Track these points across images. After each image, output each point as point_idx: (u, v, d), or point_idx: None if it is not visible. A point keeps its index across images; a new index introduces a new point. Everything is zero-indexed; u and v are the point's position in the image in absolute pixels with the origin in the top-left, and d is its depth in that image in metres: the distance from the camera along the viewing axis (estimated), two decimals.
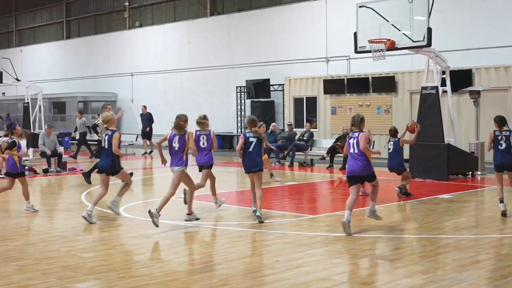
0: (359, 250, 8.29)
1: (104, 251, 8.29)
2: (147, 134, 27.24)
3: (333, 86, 24.21)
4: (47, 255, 8.15)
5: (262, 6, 28.78)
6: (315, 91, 24.98)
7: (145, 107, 28.31)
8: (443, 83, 16.94)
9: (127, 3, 35.52)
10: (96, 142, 21.20)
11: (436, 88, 16.57)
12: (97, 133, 16.97)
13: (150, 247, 8.65)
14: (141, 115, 28.19)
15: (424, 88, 16.90)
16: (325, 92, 24.40)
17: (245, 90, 28.27)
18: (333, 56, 25.36)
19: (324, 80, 24.49)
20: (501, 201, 10.66)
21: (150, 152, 26.16)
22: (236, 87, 28.80)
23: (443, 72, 16.91)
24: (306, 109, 25.41)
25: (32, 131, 24.42)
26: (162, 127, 31.88)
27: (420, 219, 10.62)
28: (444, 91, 17.08)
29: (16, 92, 38.30)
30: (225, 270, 7.23)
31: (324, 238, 9.09)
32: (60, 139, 25.70)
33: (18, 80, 28.84)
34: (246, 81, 27.92)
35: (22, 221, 10.81)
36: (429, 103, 16.62)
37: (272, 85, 27.09)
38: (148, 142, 26.71)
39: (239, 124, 28.95)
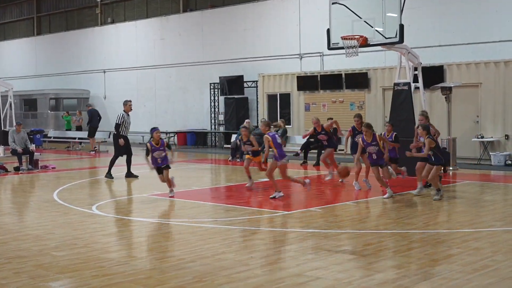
0: (333, 246, 8.33)
1: (77, 249, 8.22)
2: (93, 131, 26.96)
3: (307, 82, 24.28)
4: (19, 254, 8.05)
5: (235, 2, 28.73)
6: (288, 87, 25.03)
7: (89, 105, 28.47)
8: (416, 80, 17.07)
9: None
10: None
11: (408, 84, 16.69)
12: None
13: (123, 245, 8.60)
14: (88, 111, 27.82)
15: (396, 84, 17.03)
16: (299, 89, 24.46)
17: (219, 87, 28.23)
18: (307, 52, 25.43)
19: (297, 77, 24.55)
20: None
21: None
22: (210, 83, 28.74)
23: (415, 69, 17.05)
24: (280, 105, 25.45)
25: (2, 128, 24.07)
26: (135, 124, 31.77)
27: (394, 214, 10.71)
28: (417, 87, 17.22)
29: None
30: (199, 267, 7.21)
31: (298, 234, 9.13)
32: (31, 136, 25.42)
33: None
34: (220, 77, 27.88)
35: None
36: (401, 99, 16.74)
37: (245, 81, 27.09)
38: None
39: (212, 121, 28.90)
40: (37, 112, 34.15)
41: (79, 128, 30.22)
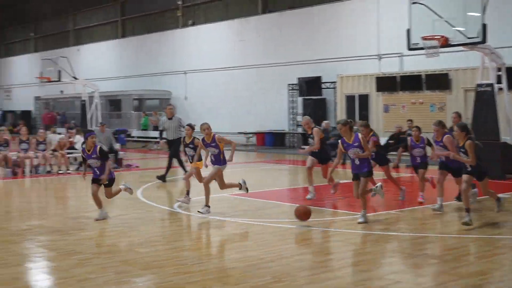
0: (414, 249, 8.24)
1: (160, 247, 8.47)
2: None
3: (386, 83, 23.98)
4: (105, 249, 8.38)
5: (313, 3, 28.70)
6: (367, 88, 24.80)
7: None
8: (499, 81, 16.60)
9: (180, 2, 35.93)
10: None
11: (491, 85, 16.25)
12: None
13: (204, 244, 8.79)
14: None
15: (479, 85, 16.60)
16: (378, 90, 24.19)
17: (297, 88, 28.28)
18: (386, 53, 25.13)
19: (376, 78, 24.29)
20: None
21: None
22: (288, 84, 28.83)
23: (499, 69, 16.57)
24: (358, 106, 25.25)
25: (89, 128, 24.96)
26: (216, 124, 32.24)
27: (476, 219, 10.46)
28: (500, 89, 16.73)
29: (74, 90, 39.17)
30: (278, 267, 7.29)
31: (377, 237, 9.07)
32: (116, 136, 26.23)
33: (76, 79, 29.52)
34: (298, 78, 27.93)
35: (80, 216, 11.11)
36: (484, 101, 16.31)
37: (323, 82, 27.03)
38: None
39: (290, 122, 28.98)
40: (121, 112, 35.16)
41: (155, 128, 30.90)
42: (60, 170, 18.30)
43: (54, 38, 47.62)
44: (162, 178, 15.99)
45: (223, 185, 11.36)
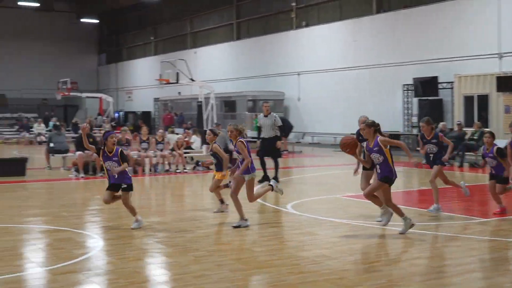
0: None
1: (274, 246, 8.58)
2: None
3: (507, 83, 22.96)
4: (220, 247, 8.59)
5: (429, 2, 27.99)
6: (486, 88, 23.85)
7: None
8: None
9: (294, 4, 36.13)
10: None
11: None
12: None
13: (317, 244, 8.80)
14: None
15: None
16: (498, 90, 23.21)
17: (412, 88, 27.68)
18: (507, 51, 24.08)
19: (497, 77, 23.32)
20: None
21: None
22: (403, 85, 28.27)
23: None
24: (477, 107, 24.35)
25: (205, 128, 25.65)
26: (329, 125, 32.21)
27: None
28: None
29: (191, 91, 40.40)
30: (392, 271, 7.20)
31: (497, 243, 8.73)
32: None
33: (193, 80, 30.40)
34: (413, 78, 27.33)
35: (197, 214, 11.44)
36: None
37: (440, 82, 26.29)
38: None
39: (405, 123, 28.42)
40: (236, 113, 35.81)
41: None
42: (177, 169, 18.93)
43: (172, 41, 49.28)
44: (275, 179, 15.88)
45: (251, 196, 10.05)
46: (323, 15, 34.76)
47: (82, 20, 55.28)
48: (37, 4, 48.70)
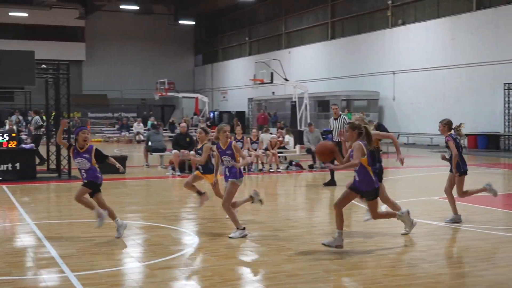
0: None
1: (368, 248, 8.49)
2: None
3: None
4: (313, 247, 8.58)
5: None
6: None
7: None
8: None
9: (390, 2, 35.54)
10: None
11: None
12: None
13: (413, 247, 8.64)
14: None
15: None
16: None
17: None
18: None
19: None
20: None
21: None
22: (504, 84, 27.23)
23: None
24: None
25: (298, 128, 25.69)
26: (424, 126, 31.48)
27: None
28: None
29: (285, 91, 40.57)
30: (492, 277, 6.97)
31: None
32: (324, 136, 26.67)
33: (287, 80, 30.52)
34: None
35: (290, 213, 11.50)
36: None
37: None
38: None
39: (506, 123, 27.37)
40: (329, 113, 35.61)
41: None
42: (271, 169, 19.07)
43: (266, 41, 49.65)
44: (330, 183, 15.35)
45: (227, 202, 9.21)
46: (419, 13, 33.98)
47: (179, 22, 56.67)
48: (137, 8, 50.38)
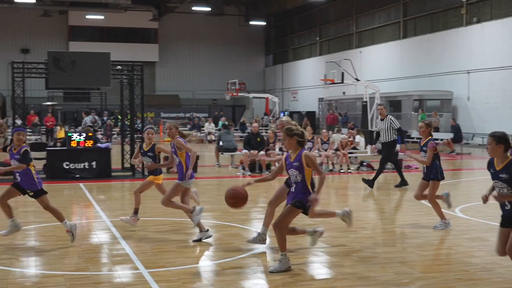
0: None
1: (441, 251, 8.35)
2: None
3: None
4: (385, 249, 8.50)
5: None
6: None
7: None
8: None
9: None
10: None
11: None
12: None
13: (488, 251, 8.42)
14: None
15: None
16: None
17: None
18: None
19: None
20: None
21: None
22: None
23: None
24: None
25: (369, 128, 25.42)
26: (499, 126, 30.56)
27: None
28: None
29: (355, 91, 40.21)
30: None
31: None
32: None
33: (358, 80, 30.22)
34: None
35: (360, 214, 11.40)
36: None
37: None
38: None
39: None
40: (401, 113, 35.12)
41: (436, 129, 29.99)
42: (341, 169, 18.95)
43: (337, 41, 49.34)
44: (369, 182, 15.01)
45: (167, 199, 8.92)
46: (496, 11, 33.00)
47: (250, 22, 57.03)
48: (209, 9, 51.01)
